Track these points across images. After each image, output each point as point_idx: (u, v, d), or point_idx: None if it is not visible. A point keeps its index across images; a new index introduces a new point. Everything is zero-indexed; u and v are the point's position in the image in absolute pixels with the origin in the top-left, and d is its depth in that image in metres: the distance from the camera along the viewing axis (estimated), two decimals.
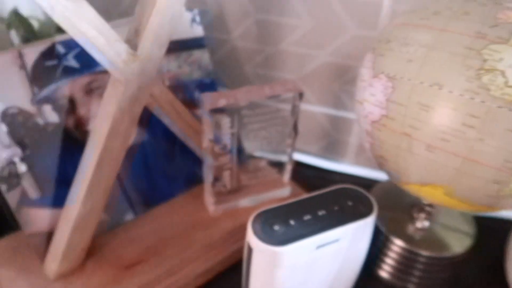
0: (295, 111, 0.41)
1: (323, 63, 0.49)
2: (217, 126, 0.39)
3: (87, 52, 0.38)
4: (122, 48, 0.30)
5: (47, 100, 0.38)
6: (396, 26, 0.31)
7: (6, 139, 0.36)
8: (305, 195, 0.34)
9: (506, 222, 0.48)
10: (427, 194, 0.31)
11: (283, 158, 0.46)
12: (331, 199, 0.34)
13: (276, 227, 0.31)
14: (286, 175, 0.47)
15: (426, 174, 0.29)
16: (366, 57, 0.33)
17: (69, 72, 0.38)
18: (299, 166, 0.52)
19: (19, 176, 0.37)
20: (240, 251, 0.41)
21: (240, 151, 0.43)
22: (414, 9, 0.31)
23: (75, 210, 0.36)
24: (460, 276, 0.42)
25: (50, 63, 0.37)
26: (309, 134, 0.55)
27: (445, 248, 0.38)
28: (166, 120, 0.42)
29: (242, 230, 0.43)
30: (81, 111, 0.40)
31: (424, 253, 0.38)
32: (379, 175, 0.53)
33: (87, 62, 0.39)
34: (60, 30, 0.42)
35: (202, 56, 0.47)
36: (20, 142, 0.37)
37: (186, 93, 0.46)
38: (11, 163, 0.36)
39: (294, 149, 0.44)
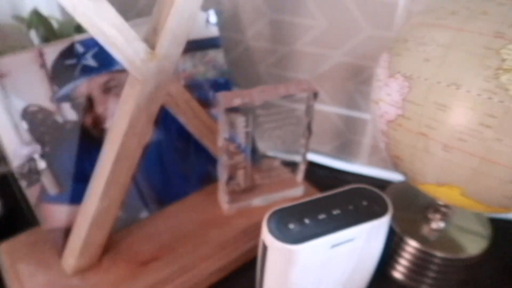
0: (309, 111, 0.41)
1: (337, 63, 0.49)
2: (232, 125, 0.40)
3: (105, 51, 0.39)
4: (140, 47, 0.31)
5: (66, 98, 0.38)
6: (413, 26, 0.31)
7: (27, 136, 0.37)
8: (320, 195, 0.34)
9: None
10: (443, 195, 0.31)
11: (297, 158, 0.46)
12: (345, 199, 0.34)
13: (291, 226, 0.31)
14: (300, 175, 0.47)
15: (442, 174, 0.29)
16: (382, 57, 0.33)
17: (87, 71, 0.39)
18: (312, 166, 0.52)
19: (38, 172, 0.38)
20: (253, 249, 0.42)
21: (254, 150, 0.44)
22: (431, 9, 0.31)
23: (93, 206, 0.37)
24: (475, 278, 0.41)
25: (69, 62, 0.38)
26: (322, 134, 0.55)
27: (460, 250, 0.38)
28: (181, 119, 0.42)
29: (255, 229, 0.43)
30: (99, 109, 0.40)
31: (439, 254, 0.37)
32: (393, 176, 0.53)
33: (105, 61, 0.40)
34: (78, 30, 0.43)
35: (217, 56, 0.47)
36: (39, 139, 0.37)
37: (201, 92, 0.47)
38: (31, 159, 0.37)
39: (308, 149, 0.44)
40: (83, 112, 0.40)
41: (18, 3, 0.52)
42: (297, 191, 0.48)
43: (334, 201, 0.33)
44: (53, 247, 0.40)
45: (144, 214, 0.45)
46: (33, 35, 0.45)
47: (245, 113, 0.40)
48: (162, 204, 0.46)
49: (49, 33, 0.40)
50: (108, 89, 0.40)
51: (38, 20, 0.40)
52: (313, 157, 0.57)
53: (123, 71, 0.40)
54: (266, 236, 0.31)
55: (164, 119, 0.44)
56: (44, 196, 0.39)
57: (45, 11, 0.45)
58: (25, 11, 0.51)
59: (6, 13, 0.51)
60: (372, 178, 0.54)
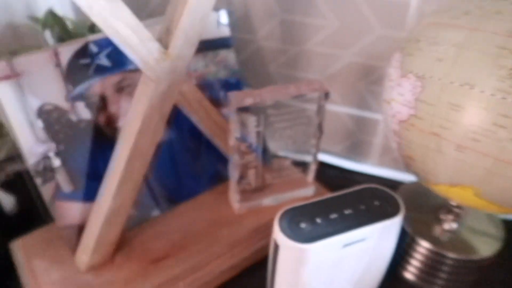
0: (320, 111, 0.41)
1: (348, 63, 0.49)
2: (243, 124, 0.40)
3: (118, 51, 0.39)
4: (154, 47, 0.31)
5: (80, 97, 0.39)
6: (426, 26, 0.31)
7: (42, 135, 0.37)
8: (331, 194, 0.34)
9: None
10: (456, 195, 0.31)
11: (307, 158, 0.46)
12: (357, 199, 0.34)
13: (303, 225, 0.31)
14: (310, 175, 0.47)
15: (455, 175, 0.29)
16: (394, 56, 0.33)
17: (101, 70, 0.40)
18: (322, 166, 0.52)
19: (53, 170, 0.38)
20: (264, 249, 0.42)
21: (264, 150, 0.44)
22: (444, 9, 0.31)
23: (106, 204, 0.37)
24: (487, 280, 0.41)
25: (83, 61, 0.38)
26: (333, 134, 0.55)
27: (473, 251, 0.38)
28: (193, 118, 0.43)
29: (266, 228, 0.43)
30: (112, 108, 0.41)
31: (451, 255, 0.37)
32: (404, 177, 0.53)
33: (118, 61, 0.40)
34: (92, 30, 0.44)
35: (228, 55, 0.47)
36: (54, 138, 0.38)
37: (212, 92, 0.47)
38: (46, 157, 0.38)
39: (318, 149, 0.44)
40: (96, 111, 0.40)
41: (33, 4, 0.53)
42: (307, 191, 0.48)
43: (346, 200, 0.33)
44: (67, 244, 0.40)
45: (155, 212, 0.45)
46: (48, 35, 0.46)
47: (256, 113, 0.40)
48: (173, 203, 0.47)
49: (64, 33, 0.41)
50: (121, 89, 0.41)
51: (53, 20, 0.41)
52: (323, 157, 0.57)
53: (136, 70, 0.41)
54: (278, 235, 0.31)
55: (176, 119, 0.44)
56: (58, 193, 0.39)
57: (59, 11, 0.45)
58: (40, 12, 0.52)
59: (21, 14, 0.52)
60: (383, 178, 0.54)
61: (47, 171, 0.38)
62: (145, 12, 0.53)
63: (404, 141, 0.32)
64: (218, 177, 0.49)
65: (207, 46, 0.46)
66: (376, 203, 0.33)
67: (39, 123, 0.37)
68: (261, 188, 0.47)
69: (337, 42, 0.48)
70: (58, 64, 0.37)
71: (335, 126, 0.54)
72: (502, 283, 0.42)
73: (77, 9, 0.57)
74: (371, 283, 0.38)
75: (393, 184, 0.44)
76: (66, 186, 0.39)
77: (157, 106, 0.34)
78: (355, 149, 0.55)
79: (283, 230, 0.31)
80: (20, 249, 0.42)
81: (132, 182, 0.37)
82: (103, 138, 0.41)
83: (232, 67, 0.48)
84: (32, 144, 0.37)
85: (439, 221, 0.40)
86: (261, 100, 0.39)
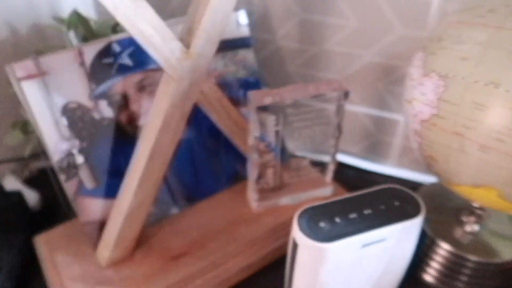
0: (339, 110, 0.41)
1: (368, 63, 0.48)
2: (262, 124, 0.40)
3: (140, 50, 0.40)
4: (176, 46, 0.32)
5: (103, 96, 0.40)
6: (449, 25, 0.30)
7: (66, 132, 0.38)
8: (351, 194, 0.34)
9: None
10: (479, 197, 0.31)
11: (325, 158, 0.46)
12: (377, 199, 0.33)
13: (322, 224, 0.31)
14: (329, 175, 0.47)
15: (478, 176, 0.29)
16: (416, 56, 0.33)
17: (123, 69, 0.40)
18: (340, 167, 0.52)
19: (76, 167, 0.39)
20: (282, 248, 0.42)
21: (283, 149, 0.44)
22: (468, 7, 0.30)
23: (127, 201, 0.38)
24: (510, 285, 0.40)
25: (106, 61, 0.39)
26: (351, 135, 0.55)
27: (495, 254, 0.37)
28: (213, 117, 0.43)
29: (284, 228, 0.43)
30: (133, 107, 0.42)
31: (472, 258, 0.37)
32: (424, 178, 0.52)
33: (140, 60, 0.41)
34: (115, 30, 0.45)
35: (247, 55, 0.48)
36: (78, 135, 0.39)
37: (231, 91, 0.47)
38: (69, 154, 0.39)
39: (337, 149, 0.44)
40: (118, 110, 0.41)
41: (57, 5, 0.54)
42: (325, 191, 0.48)
43: (365, 200, 0.33)
44: (88, 240, 0.41)
45: (174, 210, 0.46)
46: (71, 36, 0.47)
47: (276, 112, 0.40)
48: (192, 201, 0.47)
49: (87, 33, 0.42)
50: (142, 88, 0.41)
51: (78, 20, 0.42)
52: (341, 157, 0.57)
53: (157, 70, 0.41)
54: (297, 233, 0.31)
55: (195, 118, 0.45)
56: (81, 190, 0.40)
57: (82, 12, 0.46)
58: (64, 13, 0.54)
59: (46, 15, 0.53)
60: (402, 179, 0.53)
61: (71, 168, 0.39)
62: (165, 12, 0.54)
63: (426, 141, 0.32)
64: (236, 176, 0.50)
65: (227, 46, 0.46)
66: (396, 203, 0.33)
67: (64, 121, 0.38)
68: (279, 188, 0.47)
69: (357, 42, 0.48)
70: (82, 63, 0.38)
71: (353, 126, 0.54)
72: None
73: (99, 10, 0.58)
74: (390, 285, 0.37)
75: (413, 186, 0.44)
76: (89, 183, 0.40)
77: (178, 104, 0.35)
78: (374, 150, 0.55)
79: (302, 229, 0.31)
80: (43, 244, 0.43)
81: (152, 179, 0.38)
82: (125, 136, 0.42)
83: (251, 66, 0.48)
84: (56, 141, 0.38)
85: (460, 223, 0.39)
86: (281, 99, 0.39)
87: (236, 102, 0.46)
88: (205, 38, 0.33)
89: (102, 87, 0.39)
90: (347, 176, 0.53)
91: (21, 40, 0.51)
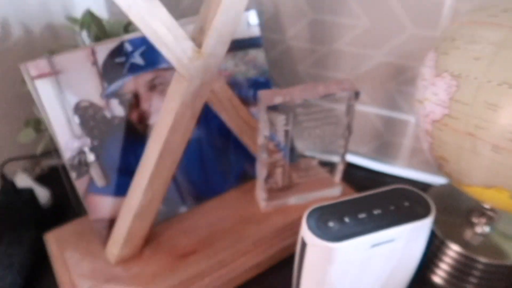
0: (350, 110, 0.41)
1: (379, 63, 0.48)
2: (272, 123, 0.40)
3: (151, 50, 0.41)
4: (188, 46, 0.32)
5: (115, 94, 0.40)
6: (462, 24, 0.30)
7: (78, 130, 0.39)
8: (360, 194, 0.34)
9: None
10: (490, 198, 0.30)
11: (334, 158, 0.46)
12: (386, 199, 0.33)
13: (331, 224, 0.31)
14: (338, 175, 0.47)
15: (490, 176, 0.28)
16: (428, 56, 0.33)
17: (134, 68, 0.41)
18: (349, 167, 0.52)
19: (87, 165, 0.40)
20: (290, 247, 0.42)
21: (292, 149, 0.44)
22: (481, 7, 0.30)
23: (137, 199, 0.38)
24: None
25: (118, 60, 0.40)
26: (361, 135, 0.55)
27: (505, 256, 0.37)
28: (223, 116, 0.43)
29: (292, 227, 0.43)
30: (144, 105, 0.42)
31: (482, 259, 0.36)
32: (433, 179, 0.52)
33: (151, 60, 0.41)
34: (127, 30, 0.45)
35: (258, 55, 0.48)
36: (89, 133, 0.39)
37: (241, 91, 0.47)
38: (81, 152, 0.39)
39: (347, 149, 0.44)
40: (129, 108, 0.41)
41: (70, 5, 0.55)
42: (334, 191, 0.48)
43: (375, 200, 0.33)
44: (98, 237, 0.42)
45: (183, 209, 0.46)
46: (84, 35, 0.47)
47: (285, 112, 0.40)
48: (200, 199, 0.47)
49: (100, 33, 0.42)
50: (153, 87, 0.42)
51: (91, 20, 0.42)
52: (351, 158, 0.57)
53: (168, 69, 0.42)
54: (306, 233, 0.31)
55: (205, 117, 0.45)
56: (91, 187, 0.40)
57: (94, 12, 0.47)
58: (76, 13, 0.54)
59: (59, 15, 0.54)
60: (412, 180, 0.53)
61: (82, 166, 0.39)
62: (176, 12, 0.54)
63: (437, 142, 0.31)
64: (245, 176, 0.50)
65: (237, 46, 0.46)
66: (406, 204, 0.33)
67: (76, 119, 0.38)
68: (288, 187, 0.47)
69: (368, 42, 0.47)
70: (94, 63, 0.38)
71: (363, 127, 0.54)
72: None
73: (111, 10, 0.58)
74: (399, 285, 0.37)
75: (423, 187, 0.43)
76: (99, 181, 0.41)
77: (189, 103, 0.35)
78: (384, 150, 0.55)
79: (311, 228, 0.31)
80: (54, 240, 0.44)
81: (162, 178, 0.38)
82: (135, 134, 0.42)
83: (261, 66, 0.48)
84: (68, 139, 0.38)
85: (471, 225, 0.39)
86: (291, 99, 0.39)
87: (246, 101, 0.47)
88: (217, 38, 0.33)
89: (114, 86, 0.40)
90: (356, 176, 0.53)
91: (34, 39, 0.52)
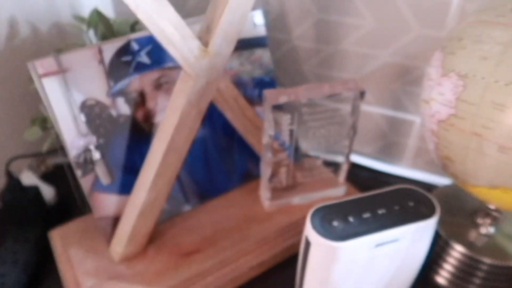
0: (355, 110, 0.41)
1: (384, 63, 0.48)
2: (277, 122, 0.40)
3: (158, 49, 0.41)
4: (194, 45, 0.32)
5: (121, 93, 0.40)
6: (469, 24, 0.30)
7: (84, 128, 0.39)
8: (364, 194, 0.34)
9: None
10: (495, 198, 0.30)
11: (339, 158, 0.46)
12: (391, 199, 0.33)
13: (335, 223, 0.31)
14: (342, 175, 0.47)
15: (497, 177, 0.28)
16: (434, 56, 0.33)
17: (141, 67, 0.41)
18: (353, 167, 0.52)
19: (93, 163, 0.40)
20: (293, 247, 0.42)
21: (296, 149, 0.44)
22: (489, 7, 0.30)
23: (141, 197, 0.38)
24: None
25: (125, 58, 0.40)
26: (365, 135, 0.55)
27: (510, 257, 0.36)
28: (228, 115, 0.43)
29: (296, 227, 0.44)
30: (150, 104, 0.42)
31: (487, 260, 0.36)
32: (438, 180, 0.52)
33: (157, 58, 0.41)
34: (133, 28, 0.45)
35: (263, 55, 0.48)
36: (95, 131, 0.39)
37: (246, 90, 0.47)
38: (87, 150, 0.39)
39: (351, 149, 0.44)
40: (135, 107, 0.41)
41: (77, 4, 0.55)
42: (338, 191, 0.48)
43: (379, 200, 0.33)
44: (102, 235, 0.42)
45: (187, 207, 0.46)
46: (91, 34, 0.48)
47: (291, 111, 0.40)
48: (204, 198, 0.47)
49: (108, 32, 0.43)
50: (159, 85, 0.42)
51: (98, 19, 0.42)
52: (355, 158, 0.57)
53: (174, 68, 0.42)
54: (310, 232, 0.31)
55: (210, 116, 0.45)
56: (96, 185, 0.41)
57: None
58: (83, 12, 0.55)
59: (65, 14, 0.54)
60: (416, 181, 0.53)
61: (87, 164, 0.40)
62: (182, 12, 0.54)
63: (442, 142, 0.31)
64: (249, 175, 0.50)
65: (243, 45, 0.46)
66: (411, 204, 0.33)
67: (82, 117, 0.38)
68: (292, 187, 0.47)
69: (374, 42, 0.47)
70: (101, 61, 0.39)
71: (368, 127, 0.54)
72: None
73: (117, 10, 0.59)
74: (402, 286, 0.37)
75: (427, 187, 0.43)
76: (104, 179, 0.41)
77: (195, 102, 0.35)
78: (388, 151, 0.55)
79: (315, 228, 0.31)
80: (58, 238, 0.44)
81: (167, 176, 0.38)
82: (141, 133, 0.42)
83: (267, 66, 0.48)
84: (74, 137, 0.38)
85: (475, 225, 0.39)
86: (296, 98, 0.39)
87: (251, 101, 0.47)
88: (223, 37, 0.33)
89: (120, 85, 0.40)
90: (360, 176, 0.53)
91: (41, 38, 0.52)
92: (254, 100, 0.48)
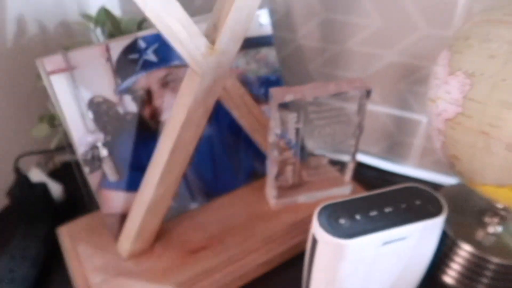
0: (361, 109, 0.41)
1: (390, 62, 0.48)
2: (283, 121, 0.40)
3: (164, 47, 0.41)
4: (201, 42, 0.32)
5: (128, 90, 0.41)
6: (477, 23, 0.30)
7: (92, 125, 0.39)
8: (371, 192, 0.34)
9: None
10: (503, 197, 0.30)
11: (345, 157, 0.46)
12: (398, 197, 0.33)
13: (342, 221, 0.31)
14: (348, 174, 0.47)
15: (504, 175, 0.28)
16: (441, 54, 0.33)
17: (147, 65, 0.41)
18: (359, 166, 0.52)
19: (100, 160, 0.40)
20: (299, 245, 0.42)
21: (302, 147, 0.44)
22: (497, 6, 0.30)
23: (149, 194, 0.38)
24: None
25: (132, 56, 0.40)
26: (371, 134, 0.55)
27: None
28: (234, 113, 0.44)
29: (302, 225, 0.44)
30: (156, 102, 0.42)
31: (495, 260, 0.36)
32: (444, 179, 0.51)
33: (164, 57, 0.41)
34: (140, 27, 0.46)
35: (269, 53, 0.48)
36: (103, 129, 0.40)
37: (252, 89, 0.48)
38: (94, 147, 0.40)
39: (357, 148, 0.44)
40: (142, 105, 0.42)
41: (84, 2, 0.55)
42: (344, 190, 0.48)
43: (386, 198, 0.33)
44: (109, 231, 0.42)
45: (193, 205, 0.47)
46: (98, 32, 0.48)
47: (297, 110, 0.40)
48: (210, 196, 0.48)
49: (115, 30, 0.43)
50: (166, 83, 0.42)
51: (106, 17, 0.43)
52: (361, 157, 0.56)
53: (181, 66, 0.42)
54: (317, 229, 0.31)
55: (216, 114, 0.45)
56: (103, 182, 0.41)
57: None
58: (90, 10, 0.55)
59: (73, 12, 0.54)
60: (423, 181, 0.53)
61: (95, 161, 0.40)
62: (189, 11, 0.54)
63: (449, 140, 0.31)
64: (255, 173, 0.50)
65: (249, 44, 0.47)
66: (418, 202, 0.33)
67: (90, 114, 0.39)
68: (298, 185, 0.47)
69: (380, 41, 0.47)
70: (108, 59, 0.39)
71: (374, 126, 0.54)
72: None
73: (124, 8, 0.59)
74: (409, 285, 0.37)
75: (434, 187, 0.43)
76: (112, 176, 0.41)
77: (202, 100, 0.35)
78: (394, 150, 0.55)
79: (322, 225, 0.31)
80: (66, 235, 0.44)
81: (174, 173, 0.39)
82: (148, 130, 0.42)
83: (272, 65, 0.48)
84: (82, 134, 0.39)
85: (483, 224, 0.39)
86: (302, 96, 0.39)
87: (257, 100, 0.47)
88: (230, 35, 0.33)
89: (127, 82, 0.40)
90: (366, 176, 0.53)
91: (49, 36, 0.53)
92: (260, 99, 0.48)
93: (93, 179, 0.40)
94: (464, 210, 0.41)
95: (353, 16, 0.47)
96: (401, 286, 0.36)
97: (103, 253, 0.42)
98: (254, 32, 0.47)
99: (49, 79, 0.36)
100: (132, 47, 0.40)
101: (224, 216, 0.45)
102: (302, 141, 0.43)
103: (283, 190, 0.46)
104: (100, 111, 0.39)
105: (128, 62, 0.40)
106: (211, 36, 0.33)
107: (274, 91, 0.39)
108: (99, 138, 0.40)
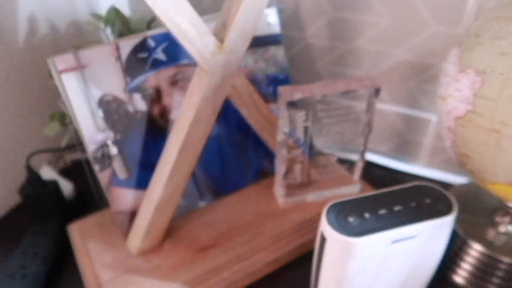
0: (370, 108, 0.41)
1: (400, 61, 0.48)
2: (292, 119, 0.40)
3: (174, 45, 0.41)
4: (210, 41, 0.32)
5: (137, 89, 0.41)
6: (487, 20, 0.30)
7: (102, 124, 0.39)
8: (380, 190, 0.34)
9: None
10: None
11: (353, 156, 0.46)
12: (407, 195, 0.33)
13: (351, 219, 0.31)
14: (357, 173, 0.47)
15: None
16: (451, 52, 0.32)
17: (157, 64, 0.41)
18: (368, 165, 0.52)
19: (110, 157, 0.40)
20: (308, 243, 0.42)
21: (311, 146, 0.44)
22: (507, 3, 0.29)
23: (158, 192, 0.39)
24: None
25: (141, 55, 0.40)
26: (380, 133, 0.54)
27: None
28: (243, 112, 0.44)
29: (311, 224, 0.44)
30: (166, 100, 0.43)
31: (506, 259, 0.36)
32: (454, 179, 0.51)
33: (173, 55, 0.42)
34: (149, 26, 0.46)
35: (278, 52, 0.48)
36: (113, 127, 0.40)
37: (261, 88, 0.48)
38: (104, 145, 0.40)
39: (366, 146, 0.44)
40: (151, 103, 0.42)
41: (94, 2, 0.56)
42: (353, 188, 0.48)
43: (395, 197, 0.33)
44: (119, 229, 0.43)
45: (202, 203, 0.47)
46: (108, 32, 0.48)
47: (305, 108, 0.40)
48: (219, 195, 0.48)
49: (125, 29, 0.43)
50: (175, 82, 0.42)
51: (116, 16, 0.43)
52: (370, 156, 0.56)
53: (190, 65, 0.43)
54: (325, 228, 0.31)
55: (225, 113, 0.45)
56: (113, 180, 0.41)
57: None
58: (100, 10, 0.55)
59: (83, 12, 0.55)
60: (432, 180, 0.52)
61: (105, 159, 0.40)
62: (198, 10, 0.55)
63: (460, 138, 0.31)
64: (263, 172, 0.50)
65: (257, 43, 0.47)
66: (427, 201, 0.32)
67: (100, 113, 0.39)
68: (306, 184, 0.47)
69: (389, 40, 0.47)
70: (118, 58, 0.39)
71: (383, 125, 0.54)
72: None
73: (133, 8, 0.59)
74: (419, 284, 0.37)
75: (443, 186, 0.43)
76: (122, 173, 0.41)
77: (210, 98, 0.35)
78: (404, 149, 0.54)
79: (331, 223, 0.31)
80: (76, 232, 0.45)
81: (183, 171, 0.39)
82: (157, 128, 0.43)
83: (281, 63, 0.48)
84: (92, 132, 0.39)
85: (494, 224, 0.38)
86: (311, 95, 0.39)
87: (265, 98, 0.47)
88: (239, 33, 0.33)
89: (137, 81, 0.41)
90: (375, 175, 0.53)
91: (60, 36, 0.53)
92: (268, 98, 0.48)
93: (103, 177, 0.41)
94: (474, 209, 0.40)
95: (362, 14, 0.47)
96: (410, 285, 0.36)
97: (113, 250, 0.42)
98: (262, 30, 0.47)
99: (60, 77, 0.37)
100: (141, 46, 0.40)
101: (233, 215, 0.46)
102: (311, 140, 0.43)
103: (292, 188, 0.46)
104: (110, 109, 0.40)
105: (138, 61, 0.40)
106: (220, 35, 0.33)
107: (282, 89, 0.39)
108: (109, 136, 0.40)
